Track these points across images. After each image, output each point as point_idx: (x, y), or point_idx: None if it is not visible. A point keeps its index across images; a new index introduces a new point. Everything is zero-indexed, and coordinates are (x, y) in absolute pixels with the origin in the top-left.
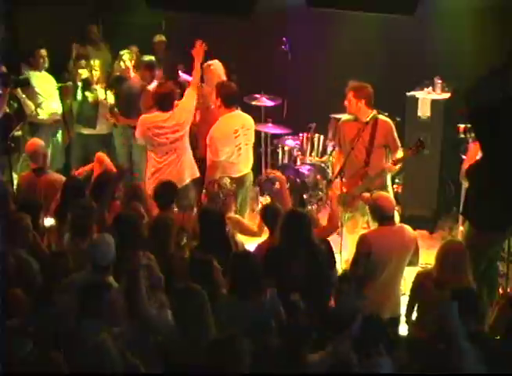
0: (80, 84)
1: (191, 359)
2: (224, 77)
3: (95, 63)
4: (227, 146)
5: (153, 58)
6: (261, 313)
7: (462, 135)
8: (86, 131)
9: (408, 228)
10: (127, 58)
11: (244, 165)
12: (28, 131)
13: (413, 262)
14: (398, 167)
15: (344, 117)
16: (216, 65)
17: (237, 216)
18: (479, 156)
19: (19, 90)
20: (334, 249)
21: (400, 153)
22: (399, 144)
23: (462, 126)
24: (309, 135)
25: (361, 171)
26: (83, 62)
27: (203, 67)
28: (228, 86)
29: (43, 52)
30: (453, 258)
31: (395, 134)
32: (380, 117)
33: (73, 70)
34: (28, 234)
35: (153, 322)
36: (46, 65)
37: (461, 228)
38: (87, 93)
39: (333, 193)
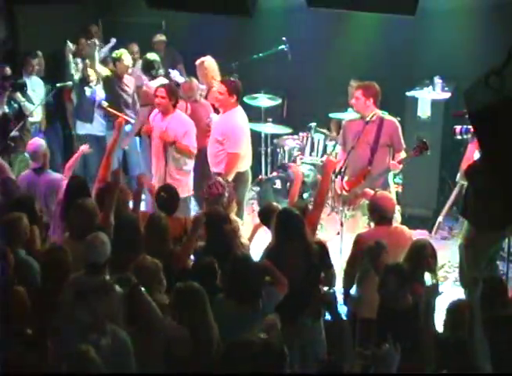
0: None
1: (197, 358)
2: (218, 73)
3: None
4: (245, 138)
5: (156, 57)
6: (259, 317)
7: (458, 137)
8: (83, 131)
9: (404, 229)
10: (126, 57)
11: (248, 161)
12: (27, 132)
13: None
14: (401, 166)
15: (347, 116)
16: (209, 61)
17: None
18: (477, 156)
19: (18, 94)
20: (334, 249)
21: (403, 154)
22: (404, 145)
23: (458, 127)
24: (309, 135)
25: (364, 170)
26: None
27: (197, 64)
28: (237, 83)
29: (34, 61)
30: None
31: (401, 134)
32: (386, 116)
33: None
34: (27, 232)
35: (159, 325)
36: (35, 73)
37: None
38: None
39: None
